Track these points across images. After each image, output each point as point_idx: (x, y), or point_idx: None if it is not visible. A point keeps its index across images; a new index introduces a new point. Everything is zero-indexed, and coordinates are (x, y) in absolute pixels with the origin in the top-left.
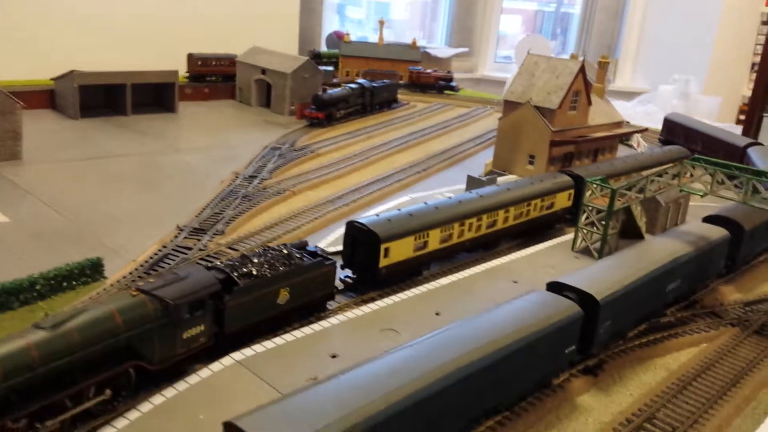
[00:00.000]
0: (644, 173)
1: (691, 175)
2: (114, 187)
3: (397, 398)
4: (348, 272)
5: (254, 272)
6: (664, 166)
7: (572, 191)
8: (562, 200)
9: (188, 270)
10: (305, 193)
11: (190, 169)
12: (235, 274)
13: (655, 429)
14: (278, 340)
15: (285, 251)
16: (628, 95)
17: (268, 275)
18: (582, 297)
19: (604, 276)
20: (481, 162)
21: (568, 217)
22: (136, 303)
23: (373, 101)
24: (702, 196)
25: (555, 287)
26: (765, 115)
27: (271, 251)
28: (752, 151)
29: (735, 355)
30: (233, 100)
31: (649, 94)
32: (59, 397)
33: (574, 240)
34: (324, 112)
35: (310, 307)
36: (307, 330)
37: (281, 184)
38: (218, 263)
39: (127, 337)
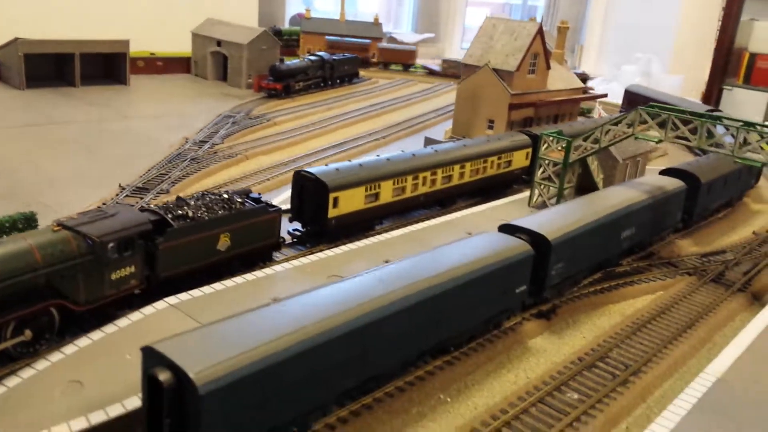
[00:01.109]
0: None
1: (646, 122)
2: (57, 151)
3: (327, 328)
4: (297, 226)
5: (190, 214)
6: (619, 116)
7: (530, 150)
8: (520, 159)
9: (117, 209)
10: (258, 157)
11: (137, 135)
12: (169, 215)
13: (607, 367)
14: (218, 286)
15: (225, 196)
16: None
17: (206, 218)
18: (533, 238)
19: (556, 219)
20: (441, 130)
21: (525, 178)
22: (58, 239)
23: (334, 74)
24: (657, 143)
25: (507, 229)
26: (724, 87)
27: (209, 195)
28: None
29: (691, 300)
30: (189, 74)
31: (612, 74)
32: None
33: (531, 195)
34: (281, 84)
35: (254, 255)
36: (249, 277)
37: (233, 149)
38: (151, 205)
39: (47, 273)
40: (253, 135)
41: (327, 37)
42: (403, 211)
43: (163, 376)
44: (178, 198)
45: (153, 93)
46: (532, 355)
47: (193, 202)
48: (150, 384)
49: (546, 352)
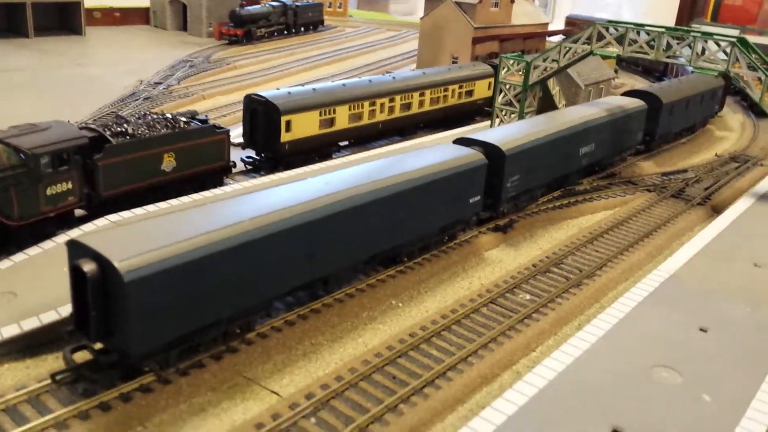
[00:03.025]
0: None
1: (604, 38)
2: (6, 94)
3: (266, 224)
4: (251, 153)
5: (130, 131)
6: (578, 34)
7: (492, 80)
8: (482, 89)
9: (50, 123)
10: (216, 97)
11: (91, 80)
12: (108, 132)
13: (561, 272)
14: (163, 205)
15: (168, 115)
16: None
17: (146, 136)
18: (488, 149)
19: (512, 133)
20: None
21: (488, 110)
22: None
23: (297, 21)
24: (615, 58)
25: (462, 143)
26: (692, 24)
27: (151, 115)
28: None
29: (650, 213)
30: (148, 25)
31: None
32: None
33: (492, 120)
34: (242, 30)
35: (203, 178)
36: (196, 197)
37: (189, 89)
38: (89, 123)
39: None
40: (212, 77)
41: None
42: (361, 139)
43: (88, 266)
44: (118, 115)
45: (109, 43)
46: (487, 265)
47: (133, 120)
48: (75, 276)
49: (501, 262)
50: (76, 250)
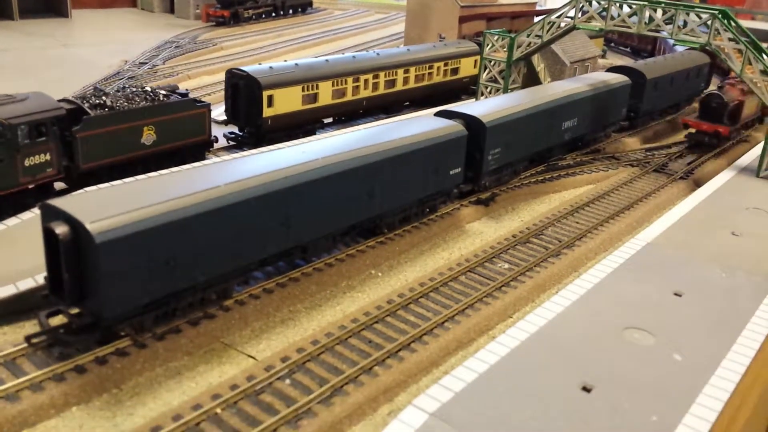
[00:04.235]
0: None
1: (587, 11)
2: None
3: (240, 189)
4: (234, 129)
5: (108, 104)
6: (560, 7)
7: (478, 58)
8: (468, 67)
9: (28, 94)
10: (201, 77)
11: (76, 60)
12: (86, 104)
13: (540, 242)
14: (141, 177)
15: (147, 88)
16: None
17: (125, 108)
18: (469, 121)
19: (494, 106)
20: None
21: (474, 88)
22: None
23: (285, 3)
24: (599, 31)
25: (443, 114)
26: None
27: (131, 88)
28: None
29: (631, 186)
30: (135, 7)
31: None
32: None
33: (476, 97)
34: (229, 11)
35: (184, 152)
36: (175, 168)
37: (175, 69)
38: (68, 96)
39: None
40: (197, 58)
41: None
42: (345, 116)
43: (60, 229)
44: (96, 88)
45: (95, 24)
46: (468, 237)
47: (112, 93)
48: (49, 239)
49: (483, 234)
50: (49, 212)
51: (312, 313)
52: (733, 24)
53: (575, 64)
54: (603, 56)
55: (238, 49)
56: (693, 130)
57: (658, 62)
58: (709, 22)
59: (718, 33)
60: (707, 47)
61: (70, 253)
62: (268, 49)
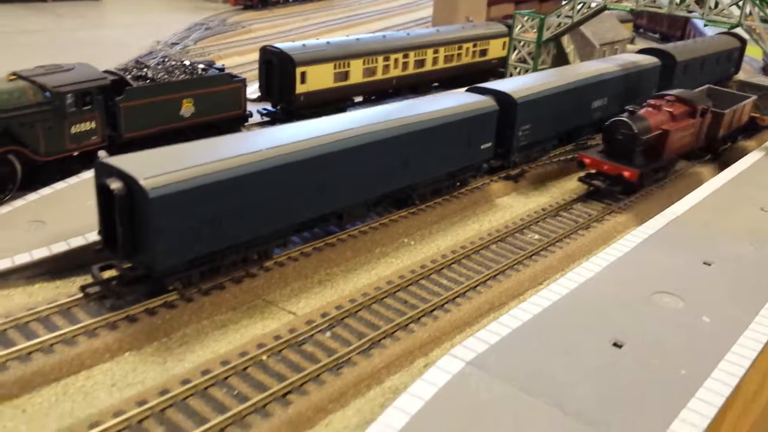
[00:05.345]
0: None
1: None
2: (25, 56)
3: (283, 153)
4: (267, 106)
5: (150, 76)
6: None
7: (507, 40)
8: (497, 48)
9: (74, 65)
10: (232, 57)
11: (108, 41)
12: (129, 76)
13: (571, 216)
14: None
15: (186, 62)
16: None
17: (166, 81)
18: (500, 97)
19: (525, 83)
20: None
21: (502, 70)
22: (14, 87)
23: None
24: (630, 11)
25: (475, 90)
26: None
27: (171, 60)
28: None
29: None
30: None
31: None
32: None
33: (506, 77)
34: None
35: (220, 125)
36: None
37: (206, 50)
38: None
39: (4, 120)
40: (227, 39)
41: None
42: (375, 95)
43: (115, 185)
44: (137, 60)
45: (125, 7)
46: (498, 210)
47: (152, 65)
48: (103, 196)
49: (512, 207)
50: (104, 170)
51: (348, 276)
52: (765, 4)
53: (604, 46)
54: (631, 42)
55: (267, 31)
56: (592, 171)
57: (689, 45)
58: (740, 3)
59: (750, 13)
60: (739, 28)
61: (124, 208)
62: (295, 32)
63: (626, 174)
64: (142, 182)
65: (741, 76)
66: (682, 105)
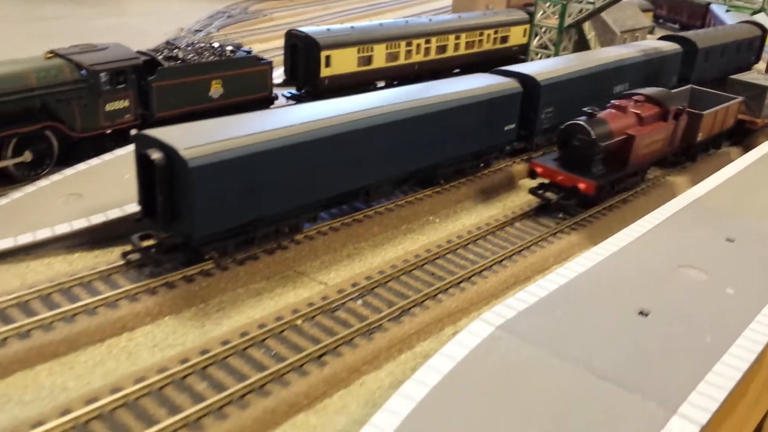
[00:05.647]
0: None
1: None
2: (45, 44)
3: (315, 128)
4: (292, 91)
5: (180, 56)
6: None
7: (528, 27)
8: (517, 35)
9: (108, 44)
10: (254, 44)
11: (129, 28)
12: (160, 56)
13: None
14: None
15: (215, 44)
16: None
17: (196, 62)
18: (523, 79)
19: (548, 66)
20: None
21: (523, 58)
22: (51, 65)
23: None
24: None
25: (499, 73)
26: None
27: (200, 43)
28: (715, 6)
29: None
30: None
31: None
32: None
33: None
34: None
35: (247, 107)
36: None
37: (228, 37)
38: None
39: (42, 96)
40: (249, 27)
41: None
42: (398, 80)
43: (155, 155)
44: (168, 42)
45: None
46: (521, 190)
47: (182, 47)
48: (143, 167)
49: None
50: (144, 142)
51: (375, 250)
52: None
53: (625, 33)
54: (651, 32)
55: (288, 19)
56: (546, 181)
57: (709, 33)
58: None
59: None
60: (762, 12)
61: (164, 177)
62: (317, 21)
63: (581, 186)
64: (182, 152)
65: (761, 65)
66: (652, 106)
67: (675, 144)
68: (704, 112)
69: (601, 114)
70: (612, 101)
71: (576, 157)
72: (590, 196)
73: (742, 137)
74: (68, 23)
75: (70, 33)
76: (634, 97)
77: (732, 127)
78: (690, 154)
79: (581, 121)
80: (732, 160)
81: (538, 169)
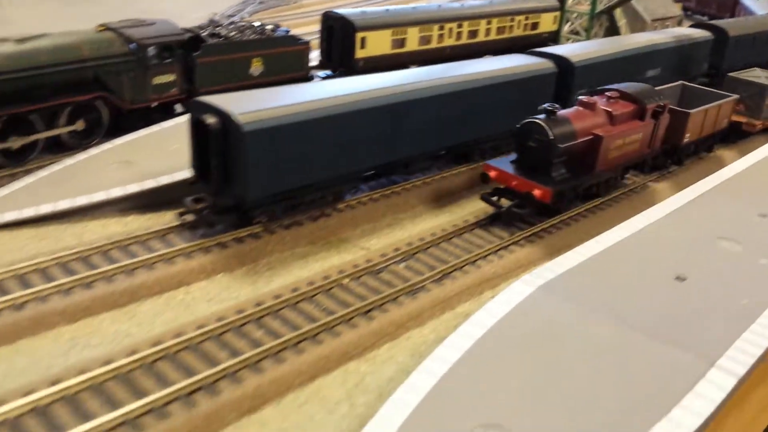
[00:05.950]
0: None
1: None
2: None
3: (359, 99)
4: (328, 72)
5: (223, 33)
6: None
7: (558, 14)
8: (547, 22)
9: (155, 20)
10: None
11: (162, 13)
12: (204, 33)
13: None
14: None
15: (256, 23)
16: None
17: (238, 39)
18: (558, 61)
19: (581, 49)
20: None
21: (553, 45)
22: (103, 37)
23: None
24: None
25: (533, 54)
26: None
27: (241, 22)
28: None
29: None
30: None
31: None
32: (27, 110)
33: None
34: None
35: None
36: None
37: (261, 22)
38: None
39: (93, 67)
40: (281, 13)
41: None
42: (429, 63)
43: (210, 120)
44: (211, 20)
45: None
46: None
47: (225, 23)
48: (198, 130)
49: None
50: (199, 108)
51: (415, 220)
52: None
53: (655, 22)
54: (679, 24)
55: (317, 7)
56: (501, 186)
57: (740, 22)
58: None
59: None
60: None
61: (218, 141)
62: (350, 5)
63: (536, 193)
64: (236, 117)
65: None
66: (627, 103)
67: (655, 146)
68: (691, 111)
69: (564, 112)
70: (579, 97)
71: (533, 160)
72: (546, 204)
73: (738, 140)
74: (104, 8)
75: (104, 17)
76: (607, 93)
77: (726, 129)
78: (676, 157)
79: (538, 119)
80: (726, 165)
81: (491, 173)
